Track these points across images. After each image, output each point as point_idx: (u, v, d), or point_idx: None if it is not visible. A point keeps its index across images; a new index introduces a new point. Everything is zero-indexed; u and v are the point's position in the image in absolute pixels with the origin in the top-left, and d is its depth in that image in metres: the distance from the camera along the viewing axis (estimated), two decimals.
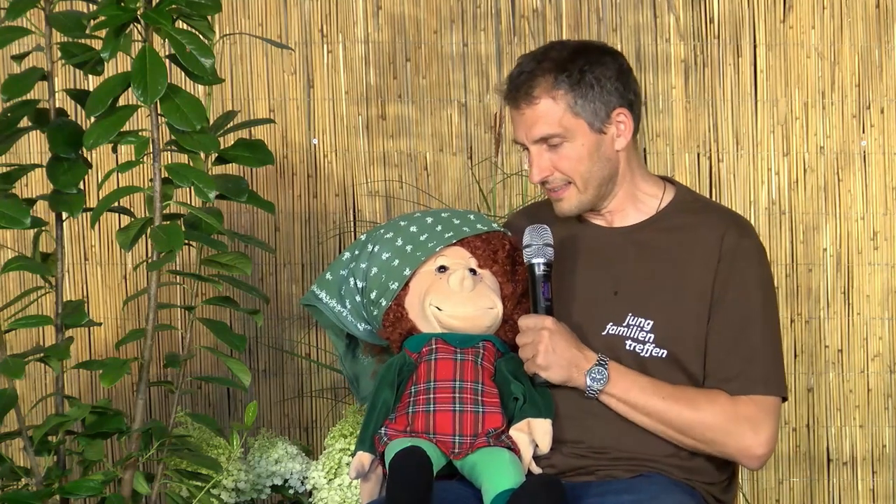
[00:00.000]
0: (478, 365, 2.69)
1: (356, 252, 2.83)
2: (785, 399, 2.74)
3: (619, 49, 3.25)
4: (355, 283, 2.80)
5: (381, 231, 2.82)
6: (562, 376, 2.67)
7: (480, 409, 2.65)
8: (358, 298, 2.81)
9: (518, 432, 2.66)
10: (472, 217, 2.83)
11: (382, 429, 2.66)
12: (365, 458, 2.67)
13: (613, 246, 2.78)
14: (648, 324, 2.71)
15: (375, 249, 2.79)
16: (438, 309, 2.70)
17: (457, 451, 2.63)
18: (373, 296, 2.76)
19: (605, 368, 2.66)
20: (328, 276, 2.85)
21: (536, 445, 2.67)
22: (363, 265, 2.79)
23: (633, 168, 2.78)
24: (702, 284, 2.71)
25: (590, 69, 2.70)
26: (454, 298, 2.70)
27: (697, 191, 3.69)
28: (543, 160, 2.72)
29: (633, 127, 2.74)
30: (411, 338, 2.73)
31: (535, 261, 2.70)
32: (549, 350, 2.65)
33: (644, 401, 2.67)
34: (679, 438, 2.69)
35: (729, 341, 2.69)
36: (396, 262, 2.75)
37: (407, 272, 2.74)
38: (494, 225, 2.82)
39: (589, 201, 2.76)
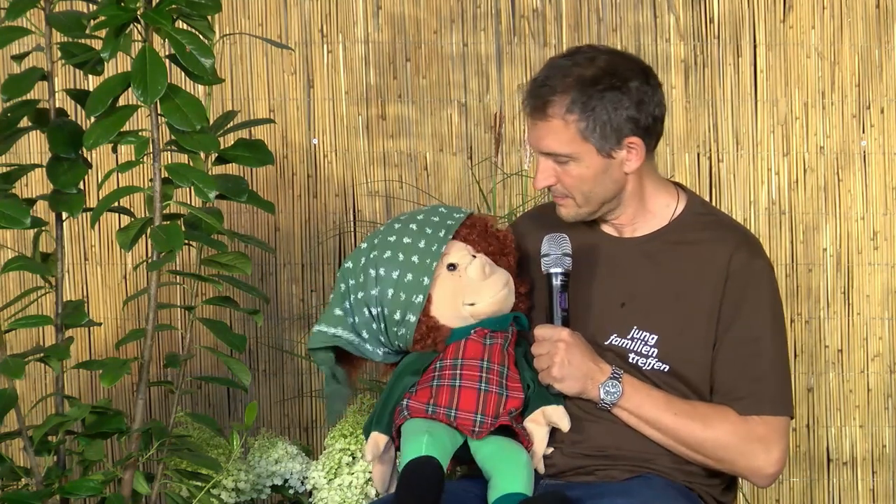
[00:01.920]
0: (504, 350, 2.70)
1: (351, 282, 2.79)
2: (792, 418, 2.74)
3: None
4: (369, 312, 2.77)
5: (376, 253, 2.77)
6: (576, 389, 2.67)
7: (504, 393, 2.66)
8: (374, 326, 2.77)
9: (534, 424, 2.67)
10: (443, 210, 2.82)
11: (404, 401, 2.65)
12: (381, 439, 2.68)
13: (623, 257, 2.77)
14: (653, 338, 2.71)
15: (381, 272, 2.75)
16: (472, 305, 2.71)
17: (477, 430, 2.63)
18: (397, 316, 2.72)
19: (620, 382, 2.67)
20: (336, 311, 2.80)
21: (550, 441, 2.68)
22: (373, 292, 2.75)
23: (644, 184, 2.76)
24: (709, 303, 2.71)
25: (609, 96, 2.66)
26: (483, 288, 2.71)
27: (697, 191, 3.69)
28: (548, 170, 2.72)
29: (644, 153, 2.71)
30: (453, 333, 2.73)
31: (553, 270, 2.70)
32: (565, 363, 2.65)
33: (656, 416, 2.67)
34: (690, 455, 2.69)
35: (738, 362, 2.69)
36: (410, 276, 2.73)
37: (426, 281, 2.72)
38: (464, 209, 2.83)
39: (588, 213, 2.76)
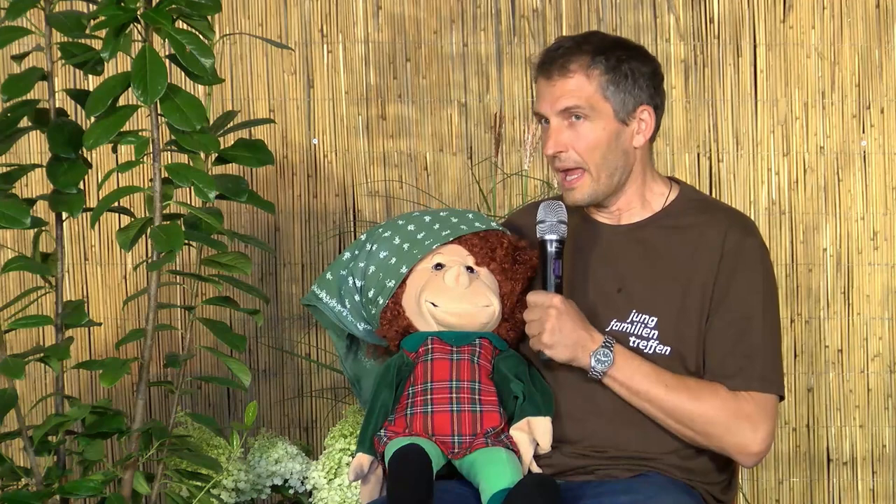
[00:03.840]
0: (474, 363, 2.69)
1: (356, 252, 2.84)
2: (782, 398, 2.74)
3: None
4: (354, 283, 2.81)
5: (381, 230, 2.83)
6: (566, 356, 2.67)
7: (478, 409, 2.65)
8: (357, 298, 2.81)
9: (518, 432, 2.66)
10: (470, 216, 2.83)
11: (382, 430, 2.66)
12: (364, 459, 2.67)
13: (618, 243, 2.78)
14: (653, 320, 2.71)
15: (374, 248, 2.80)
16: (434, 305, 2.70)
17: (456, 450, 2.64)
18: (370, 294, 2.77)
19: (611, 351, 2.66)
20: (328, 275, 2.86)
21: (537, 444, 2.67)
22: (362, 264, 2.80)
23: (646, 168, 2.79)
24: (704, 282, 2.72)
25: (627, 60, 2.71)
26: (449, 295, 2.70)
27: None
28: (562, 135, 2.72)
29: (653, 128, 2.75)
30: (408, 337, 2.73)
31: (547, 237, 2.70)
32: (556, 329, 2.65)
33: (647, 387, 2.67)
34: (677, 428, 2.69)
35: (729, 339, 2.70)
36: (394, 260, 2.76)
37: (403, 270, 2.74)
38: (493, 224, 2.83)
39: (602, 191, 2.75)
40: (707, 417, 2.67)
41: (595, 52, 2.71)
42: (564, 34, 3.98)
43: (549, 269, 2.69)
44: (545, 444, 2.66)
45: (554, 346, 2.66)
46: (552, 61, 2.72)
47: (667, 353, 2.71)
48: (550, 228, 2.70)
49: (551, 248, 2.69)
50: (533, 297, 2.69)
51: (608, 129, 2.71)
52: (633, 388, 2.67)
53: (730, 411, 2.67)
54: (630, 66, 2.71)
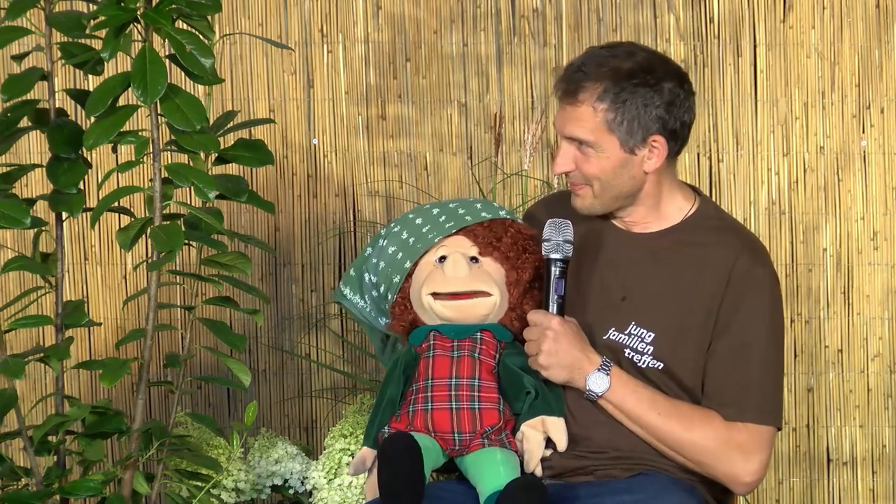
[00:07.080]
0: (475, 359, 2.68)
1: (371, 248, 2.85)
2: (779, 429, 2.73)
3: None
4: (370, 279, 2.82)
5: (392, 225, 2.84)
6: (562, 378, 2.67)
7: (477, 406, 2.65)
8: (374, 293, 2.82)
9: (531, 430, 2.66)
10: (478, 206, 2.82)
11: (386, 428, 2.66)
12: (367, 453, 2.68)
13: (629, 251, 2.77)
14: (650, 335, 2.71)
15: (385, 244, 2.81)
16: (433, 297, 2.71)
17: (456, 448, 2.64)
18: (382, 290, 2.78)
19: (608, 375, 2.66)
20: (351, 272, 2.88)
21: (549, 444, 2.67)
22: (374, 260, 2.82)
23: (662, 187, 2.75)
24: (707, 305, 2.70)
25: (641, 92, 2.66)
26: (447, 283, 2.70)
27: None
28: (569, 156, 2.71)
29: (666, 155, 2.70)
30: (414, 331, 2.74)
31: (552, 256, 2.69)
32: (552, 351, 2.65)
33: (639, 413, 2.67)
34: (670, 454, 2.69)
35: (728, 367, 2.68)
36: (400, 255, 2.76)
37: (407, 265, 2.75)
38: (502, 212, 2.81)
39: (602, 207, 2.75)
40: (698, 447, 2.67)
41: (608, 79, 2.65)
42: (564, 34, 3.98)
43: (551, 288, 2.68)
44: (562, 443, 2.66)
45: (550, 367, 2.66)
46: (567, 82, 2.69)
47: (659, 367, 2.70)
48: (555, 248, 2.69)
49: (555, 268, 2.68)
50: (532, 317, 2.69)
51: (613, 158, 2.69)
52: (626, 411, 2.67)
53: (721, 441, 2.67)
54: (643, 99, 2.66)
